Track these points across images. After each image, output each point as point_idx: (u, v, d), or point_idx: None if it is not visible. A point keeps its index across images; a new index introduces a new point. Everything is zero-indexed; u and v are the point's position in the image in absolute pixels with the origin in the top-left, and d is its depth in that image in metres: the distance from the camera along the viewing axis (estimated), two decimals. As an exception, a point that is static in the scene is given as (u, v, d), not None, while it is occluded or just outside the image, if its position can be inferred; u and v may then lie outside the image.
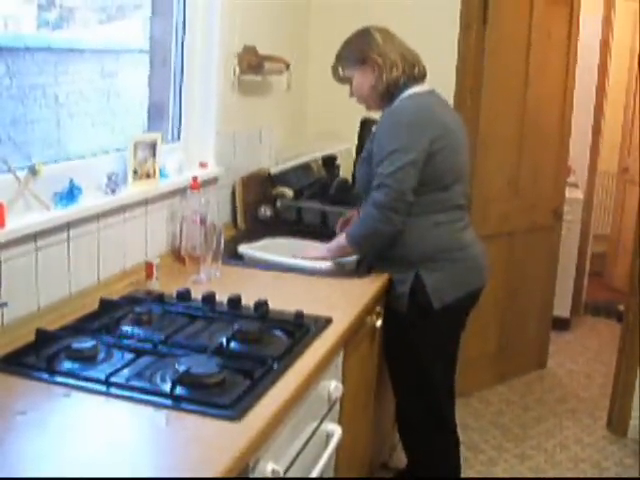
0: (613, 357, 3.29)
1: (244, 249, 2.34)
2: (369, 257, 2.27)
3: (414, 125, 2.10)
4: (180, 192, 2.25)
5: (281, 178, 2.83)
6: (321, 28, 3.19)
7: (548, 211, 3.58)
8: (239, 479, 1.20)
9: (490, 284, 2.36)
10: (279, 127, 3.03)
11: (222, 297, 1.83)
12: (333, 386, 1.73)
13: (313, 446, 1.62)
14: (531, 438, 3.11)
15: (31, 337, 1.53)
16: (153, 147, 2.07)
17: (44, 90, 1.84)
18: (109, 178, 1.92)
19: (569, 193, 3.89)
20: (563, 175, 3.70)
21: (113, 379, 1.37)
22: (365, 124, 2.79)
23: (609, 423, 3.22)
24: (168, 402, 1.32)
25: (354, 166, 2.75)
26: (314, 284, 2.10)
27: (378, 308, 2.14)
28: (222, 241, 2.10)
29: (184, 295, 1.85)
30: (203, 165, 2.42)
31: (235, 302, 1.82)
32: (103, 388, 1.36)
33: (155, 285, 1.98)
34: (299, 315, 1.74)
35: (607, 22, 4.41)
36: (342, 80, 2.27)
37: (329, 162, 3.13)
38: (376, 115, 2.32)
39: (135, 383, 1.38)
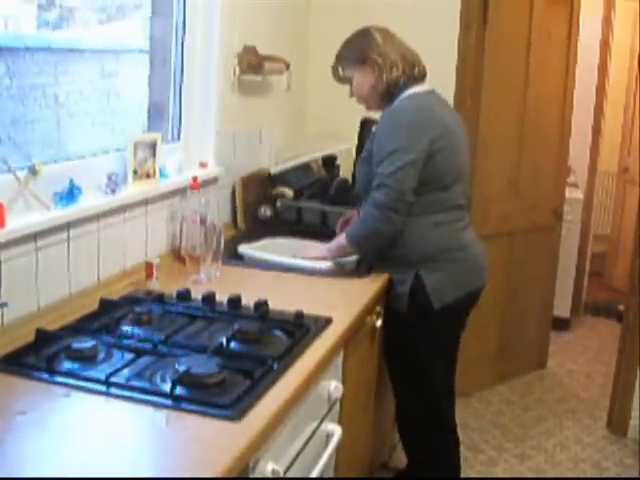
0: (613, 357, 3.29)
1: (244, 249, 2.34)
2: (369, 257, 2.27)
3: (414, 125, 2.10)
4: (180, 192, 2.25)
5: (281, 178, 2.83)
6: (321, 28, 3.19)
7: (548, 211, 3.58)
8: (239, 479, 1.20)
9: (490, 284, 2.36)
10: (279, 127, 3.03)
11: (222, 297, 1.83)
12: (333, 386, 1.73)
13: (313, 446, 1.62)
14: (531, 438, 3.11)
15: (31, 337, 1.53)
16: (153, 147, 2.07)
17: (44, 90, 1.84)
18: (109, 178, 1.92)
19: (569, 193, 3.89)
20: (563, 175, 3.70)
21: (113, 379, 1.37)
22: (365, 124, 2.79)
23: (609, 423, 3.22)
24: (168, 402, 1.32)
25: (354, 166, 2.75)
26: (314, 284, 2.10)
27: (378, 308, 2.14)
28: (222, 241, 2.10)
29: (184, 295, 1.85)
30: (203, 165, 2.42)
31: (235, 302, 1.82)
32: (103, 388, 1.36)
33: (155, 285, 1.98)
34: (299, 315, 1.74)
35: (607, 22, 4.41)
36: (342, 80, 2.27)
37: (329, 162, 3.13)
38: (376, 115, 2.32)
39: (135, 383, 1.38)
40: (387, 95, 2.19)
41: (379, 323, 2.15)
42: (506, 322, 3.52)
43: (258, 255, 2.31)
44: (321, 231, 2.61)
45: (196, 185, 2.22)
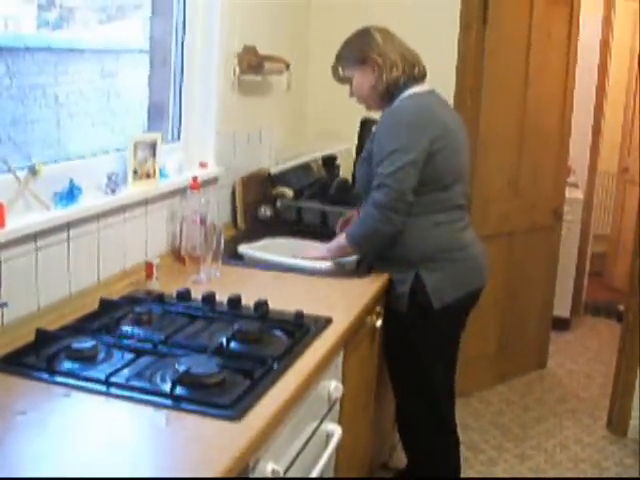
0: (613, 357, 3.29)
1: (244, 249, 2.34)
2: (369, 257, 2.27)
3: (414, 125, 2.10)
4: (180, 192, 2.25)
5: (281, 178, 2.83)
6: (321, 28, 3.19)
7: (548, 211, 3.58)
8: (239, 479, 1.20)
9: (490, 284, 2.36)
10: (279, 127, 3.03)
11: (222, 297, 1.83)
12: (333, 386, 1.73)
13: (313, 446, 1.62)
14: (531, 438, 3.11)
15: (31, 337, 1.53)
16: (153, 147, 2.07)
17: (44, 90, 1.84)
18: (109, 178, 1.92)
19: (569, 193, 3.89)
20: (563, 175, 3.70)
21: (113, 379, 1.37)
22: (365, 124, 2.79)
23: (609, 423, 3.22)
24: (168, 402, 1.32)
25: (354, 166, 2.75)
26: (314, 284, 2.10)
27: (378, 308, 2.14)
28: (222, 241, 2.10)
29: (184, 295, 1.85)
30: (203, 165, 2.42)
31: (235, 302, 1.82)
32: (103, 388, 1.36)
33: (155, 285, 1.98)
34: (299, 315, 1.74)
35: (607, 22, 4.41)
36: (342, 80, 2.27)
37: (329, 162, 3.13)
38: (376, 115, 2.32)
39: (135, 383, 1.38)
40: (387, 95, 2.19)
41: (379, 323, 2.15)
42: (506, 322, 3.52)
43: (258, 255, 2.31)
44: (321, 231, 2.61)
45: (196, 185, 2.22)
